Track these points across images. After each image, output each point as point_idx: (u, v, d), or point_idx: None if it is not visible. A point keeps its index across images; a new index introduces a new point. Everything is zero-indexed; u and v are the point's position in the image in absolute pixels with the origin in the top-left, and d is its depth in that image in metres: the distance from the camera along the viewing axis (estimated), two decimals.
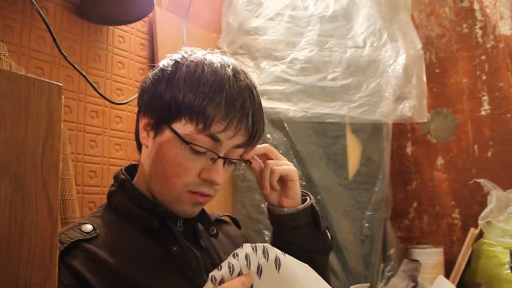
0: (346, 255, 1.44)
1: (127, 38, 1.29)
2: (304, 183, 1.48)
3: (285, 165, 0.76)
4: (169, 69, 0.67)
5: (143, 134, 0.69)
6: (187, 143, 0.63)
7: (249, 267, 0.60)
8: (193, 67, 0.64)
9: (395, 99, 1.55)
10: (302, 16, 1.58)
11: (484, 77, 1.75)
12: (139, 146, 0.73)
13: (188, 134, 0.63)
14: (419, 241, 1.83)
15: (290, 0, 1.59)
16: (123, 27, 1.28)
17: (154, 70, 0.71)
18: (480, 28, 1.77)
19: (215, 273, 0.59)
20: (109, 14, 1.18)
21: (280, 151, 1.49)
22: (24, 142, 0.46)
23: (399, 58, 1.57)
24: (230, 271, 0.59)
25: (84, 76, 1.07)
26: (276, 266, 0.61)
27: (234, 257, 0.60)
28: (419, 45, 1.64)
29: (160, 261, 0.65)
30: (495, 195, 1.51)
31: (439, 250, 1.61)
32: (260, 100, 0.69)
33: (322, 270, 0.76)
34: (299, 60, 1.52)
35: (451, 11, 1.85)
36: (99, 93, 1.11)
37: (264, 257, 0.61)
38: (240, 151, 0.69)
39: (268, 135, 1.49)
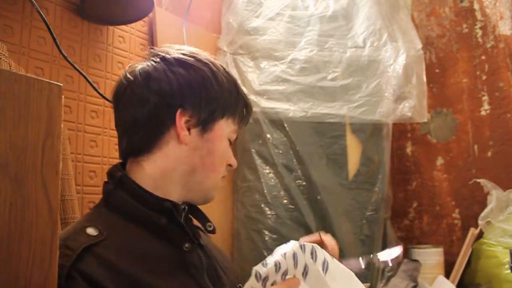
0: (346, 255, 1.44)
1: (127, 38, 1.29)
2: (304, 183, 1.48)
3: None
4: (206, 66, 0.71)
5: (184, 132, 0.67)
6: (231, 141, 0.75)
7: (296, 267, 0.59)
8: (223, 68, 0.73)
9: (395, 99, 1.55)
10: (302, 16, 1.58)
11: (484, 77, 1.75)
12: (148, 141, 0.68)
13: (230, 131, 0.73)
14: (419, 241, 1.83)
15: (290, 0, 1.59)
16: (123, 27, 1.28)
17: (181, 63, 0.68)
18: (480, 28, 1.77)
19: (260, 269, 0.58)
20: (109, 14, 1.18)
21: (280, 151, 1.50)
22: (24, 142, 0.46)
23: (399, 58, 1.57)
24: (276, 269, 0.58)
25: (84, 76, 1.07)
26: (323, 269, 0.60)
27: (282, 255, 0.59)
28: (419, 45, 1.64)
29: (169, 261, 0.63)
30: (495, 195, 1.51)
31: (439, 250, 1.61)
32: None
33: None
34: (299, 60, 1.52)
35: (451, 11, 1.85)
36: (99, 93, 1.11)
37: (312, 258, 0.59)
38: None
39: (268, 135, 1.49)
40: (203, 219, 0.74)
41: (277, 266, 0.58)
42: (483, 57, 1.75)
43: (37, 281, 0.46)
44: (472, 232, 1.58)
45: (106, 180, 0.70)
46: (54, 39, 0.98)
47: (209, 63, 0.71)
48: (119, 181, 0.67)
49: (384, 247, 1.62)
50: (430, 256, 1.59)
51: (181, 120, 0.66)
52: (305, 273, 0.59)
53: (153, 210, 0.64)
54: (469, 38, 1.79)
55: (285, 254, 0.59)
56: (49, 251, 0.47)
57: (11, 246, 0.44)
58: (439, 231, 1.80)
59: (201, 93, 0.68)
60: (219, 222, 1.51)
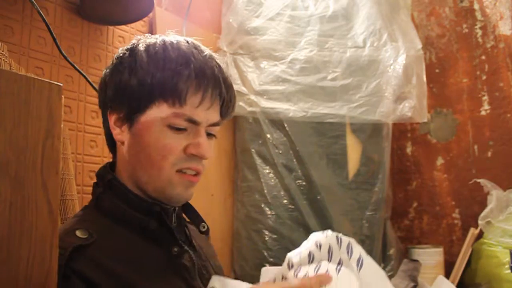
0: None
1: (127, 38, 1.29)
2: (304, 183, 1.48)
3: None
4: (127, 57, 0.65)
5: (116, 131, 0.66)
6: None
7: (330, 260, 0.57)
8: (152, 49, 0.63)
9: (395, 99, 1.55)
10: (302, 16, 1.58)
11: (484, 77, 1.75)
12: (112, 146, 0.70)
13: (165, 117, 0.61)
14: (419, 241, 1.83)
15: (290, 0, 1.59)
16: (123, 27, 1.28)
17: (109, 65, 0.68)
18: (480, 28, 1.77)
19: (294, 257, 0.56)
20: (109, 14, 1.18)
21: (280, 151, 1.50)
22: (24, 142, 0.46)
23: (399, 58, 1.57)
24: (309, 259, 0.56)
25: (84, 76, 1.07)
26: (358, 266, 0.57)
27: (317, 246, 0.57)
28: (419, 45, 1.64)
29: (160, 265, 0.63)
30: (495, 195, 1.51)
31: (439, 250, 1.61)
32: (225, 68, 0.68)
33: None
34: (299, 60, 1.52)
35: (451, 11, 1.85)
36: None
37: (347, 253, 0.57)
38: (218, 123, 0.68)
39: (268, 135, 1.49)
40: (197, 219, 0.73)
41: (311, 257, 0.57)
42: (483, 57, 1.75)
43: (37, 281, 0.46)
44: (472, 232, 1.58)
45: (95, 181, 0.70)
46: (54, 39, 0.98)
47: (136, 50, 0.64)
48: (108, 184, 0.66)
49: (384, 247, 1.62)
50: (430, 256, 1.59)
51: (111, 119, 0.66)
52: (338, 268, 0.57)
53: (142, 214, 0.64)
54: (469, 38, 1.79)
55: (320, 245, 0.57)
56: (49, 251, 0.47)
57: (11, 246, 0.44)
58: (439, 231, 1.80)
59: (116, 87, 0.64)
60: (219, 222, 1.51)
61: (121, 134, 0.66)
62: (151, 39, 0.66)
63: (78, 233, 0.59)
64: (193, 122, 0.63)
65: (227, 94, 0.66)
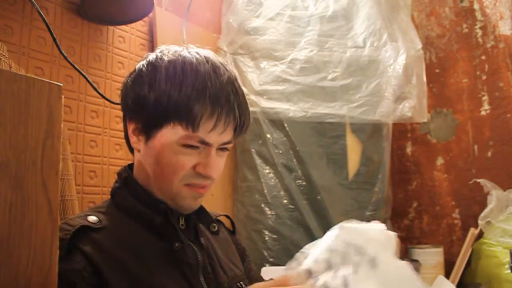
0: None
1: (127, 38, 1.29)
2: (304, 183, 1.48)
3: None
4: (148, 71, 0.67)
5: (133, 139, 0.70)
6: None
7: (344, 264, 0.54)
8: (172, 68, 0.64)
9: (395, 99, 1.55)
10: (302, 16, 1.58)
11: (484, 77, 1.75)
12: (131, 149, 0.73)
13: (179, 138, 0.64)
14: (419, 241, 1.83)
15: (290, 0, 1.59)
16: (123, 27, 1.28)
17: (132, 73, 0.70)
18: (480, 28, 1.77)
19: (312, 264, 0.55)
20: (109, 14, 1.18)
21: (280, 151, 1.50)
22: (24, 142, 0.46)
23: (399, 58, 1.57)
24: (325, 266, 0.54)
25: (84, 76, 1.07)
26: (371, 266, 0.54)
27: (331, 252, 0.55)
28: (419, 45, 1.64)
29: (162, 258, 0.65)
30: (495, 195, 1.51)
31: (439, 250, 1.61)
32: (242, 90, 0.69)
33: None
34: (299, 60, 1.52)
35: (451, 11, 1.85)
36: (99, 93, 1.11)
37: (360, 254, 0.55)
38: (230, 141, 0.70)
39: (268, 135, 1.49)
40: (207, 220, 0.76)
41: (328, 263, 0.56)
42: (483, 57, 1.75)
43: (37, 281, 0.46)
44: (472, 232, 1.58)
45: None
46: (54, 39, 0.98)
47: (158, 66, 0.66)
48: (124, 181, 0.72)
49: None
50: (430, 256, 1.59)
51: (129, 127, 0.69)
52: (355, 270, 0.57)
53: (150, 209, 0.68)
54: (469, 38, 1.79)
55: (333, 250, 0.56)
56: (49, 251, 0.47)
57: (11, 246, 0.44)
58: (439, 231, 1.80)
59: (135, 99, 0.67)
60: None
61: (137, 143, 0.69)
62: (172, 54, 0.67)
63: (89, 218, 0.64)
64: (205, 143, 0.65)
65: (241, 119, 0.67)
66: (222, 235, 0.82)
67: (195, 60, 0.65)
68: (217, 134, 0.65)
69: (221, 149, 0.69)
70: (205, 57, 0.66)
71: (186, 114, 0.62)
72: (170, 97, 0.63)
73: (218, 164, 0.69)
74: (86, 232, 0.62)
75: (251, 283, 0.82)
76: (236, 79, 0.68)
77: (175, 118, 0.63)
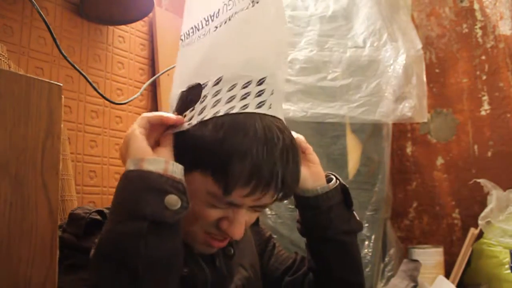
0: None
1: (127, 38, 1.29)
2: None
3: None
4: (217, 127, 0.58)
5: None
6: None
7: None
8: (220, 122, 0.57)
9: (395, 99, 1.55)
10: (302, 16, 1.58)
11: (484, 77, 1.75)
12: None
13: (208, 191, 0.58)
14: (419, 241, 1.83)
15: (290, 0, 1.59)
16: (123, 27, 1.28)
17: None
18: (480, 28, 1.77)
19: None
20: (109, 14, 1.18)
21: None
22: (24, 142, 0.46)
23: (399, 58, 1.57)
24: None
25: (84, 76, 1.07)
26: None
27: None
28: (419, 45, 1.64)
29: None
30: (495, 195, 1.51)
31: (439, 250, 1.61)
32: (297, 158, 0.61)
33: (356, 252, 0.74)
34: (299, 60, 1.52)
35: (451, 11, 1.85)
36: (99, 93, 1.11)
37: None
38: (267, 205, 0.63)
39: None
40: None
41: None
42: (483, 57, 1.75)
43: (37, 281, 0.46)
44: (472, 232, 1.58)
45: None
46: (54, 39, 0.98)
47: (229, 125, 0.57)
48: None
49: (384, 247, 1.62)
50: (430, 256, 1.58)
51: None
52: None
53: None
54: (469, 38, 1.79)
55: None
56: (49, 251, 0.47)
57: (11, 246, 0.44)
58: (439, 231, 1.80)
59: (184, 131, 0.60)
60: None
61: None
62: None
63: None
64: (235, 205, 0.59)
65: (284, 189, 0.59)
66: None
67: (252, 121, 0.57)
68: (251, 200, 0.58)
69: (255, 209, 0.63)
70: (266, 125, 0.58)
71: (220, 177, 0.56)
72: (211, 153, 0.56)
73: (247, 221, 0.63)
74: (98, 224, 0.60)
75: (277, 268, 0.83)
76: (291, 148, 0.60)
77: (211, 175, 0.57)
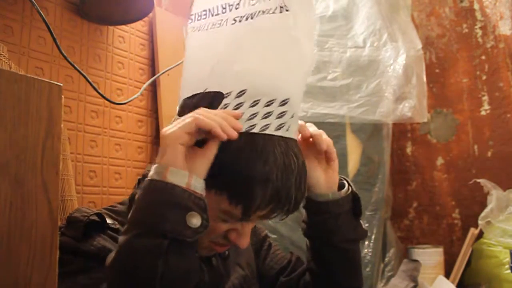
0: None
1: (127, 38, 1.29)
2: None
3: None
4: (248, 147, 0.57)
5: None
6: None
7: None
8: (242, 145, 0.56)
9: (395, 99, 1.55)
10: None
11: (484, 77, 1.75)
12: None
13: (222, 209, 0.58)
14: (419, 241, 1.83)
15: None
16: (123, 27, 1.28)
17: None
18: (480, 28, 1.77)
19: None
20: (109, 14, 1.18)
21: None
22: (24, 142, 0.46)
23: (399, 58, 1.57)
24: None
25: (84, 76, 1.07)
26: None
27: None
28: (419, 45, 1.64)
29: None
30: (495, 195, 1.51)
31: (439, 250, 1.61)
32: (306, 178, 0.62)
33: (358, 259, 0.74)
34: None
35: (451, 11, 1.85)
36: (99, 93, 1.11)
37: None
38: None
39: None
40: None
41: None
42: (483, 57, 1.75)
43: (37, 281, 0.46)
44: (472, 232, 1.58)
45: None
46: (54, 39, 0.98)
47: (261, 150, 0.56)
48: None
49: (384, 247, 1.62)
50: (430, 256, 1.58)
51: None
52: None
53: None
54: (469, 38, 1.79)
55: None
56: (49, 251, 0.47)
57: (11, 246, 0.44)
58: (439, 231, 1.80)
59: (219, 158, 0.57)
60: None
61: None
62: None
63: (108, 220, 0.63)
64: (245, 220, 0.61)
65: (293, 209, 0.61)
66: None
67: (272, 147, 0.57)
68: (263, 217, 0.60)
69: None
70: (283, 151, 0.58)
71: (238, 197, 0.57)
72: (232, 177, 0.56)
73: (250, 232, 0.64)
74: (104, 226, 0.61)
75: (272, 267, 0.82)
76: (304, 172, 0.61)
77: (229, 199, 0.57)
